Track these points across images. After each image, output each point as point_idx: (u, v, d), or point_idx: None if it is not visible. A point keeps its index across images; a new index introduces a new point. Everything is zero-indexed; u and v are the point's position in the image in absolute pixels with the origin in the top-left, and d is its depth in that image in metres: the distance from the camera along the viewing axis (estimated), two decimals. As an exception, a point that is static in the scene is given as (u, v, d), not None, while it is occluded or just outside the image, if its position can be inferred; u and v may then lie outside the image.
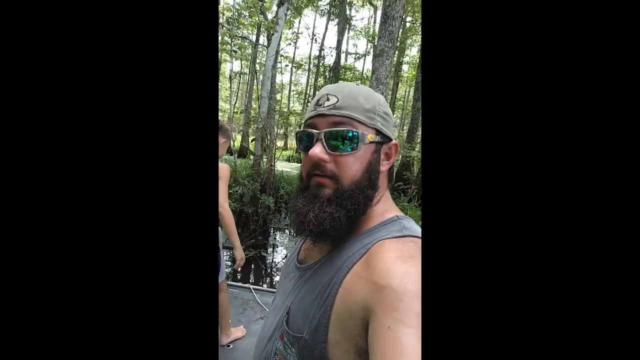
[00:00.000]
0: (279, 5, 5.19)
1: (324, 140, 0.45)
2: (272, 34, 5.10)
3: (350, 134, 0.44)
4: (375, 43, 3.64)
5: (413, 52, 15.69)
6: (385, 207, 0.48)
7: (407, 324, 0.32)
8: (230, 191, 5.78)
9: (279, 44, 5.38)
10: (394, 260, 0.38)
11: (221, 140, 1.69)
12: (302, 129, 0.49)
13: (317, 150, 0.44)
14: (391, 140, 0.49)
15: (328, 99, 0.46)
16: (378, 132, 0.47)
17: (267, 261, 4.69)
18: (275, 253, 5.13)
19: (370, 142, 0.46)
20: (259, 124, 5.55)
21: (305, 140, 0.47)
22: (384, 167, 0.48)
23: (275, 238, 5.73)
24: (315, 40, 13.77)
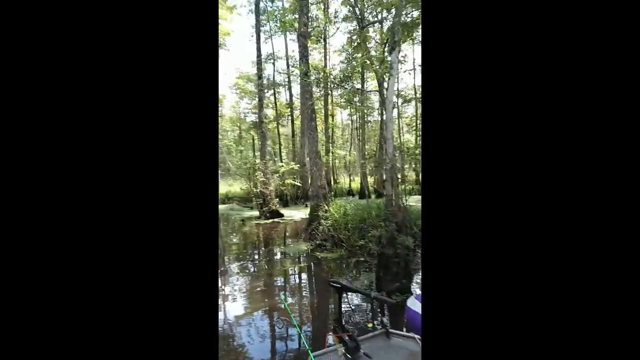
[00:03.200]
0: (390, 51, 5.43)
1: None
2: (389, 78, 5.32)
3: None
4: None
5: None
6: None
7: None
8: (369, 234, 5.88)
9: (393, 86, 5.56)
10: None
11: None
12: None
13: None
14: None
15: None
16: None
17: (420, 307, 4.37)
18: (425, 297, 4.76)
19: None
20: (387, 165, 5.63)
21: None
22: None
23: (418, 282, 5.36)
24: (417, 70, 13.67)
